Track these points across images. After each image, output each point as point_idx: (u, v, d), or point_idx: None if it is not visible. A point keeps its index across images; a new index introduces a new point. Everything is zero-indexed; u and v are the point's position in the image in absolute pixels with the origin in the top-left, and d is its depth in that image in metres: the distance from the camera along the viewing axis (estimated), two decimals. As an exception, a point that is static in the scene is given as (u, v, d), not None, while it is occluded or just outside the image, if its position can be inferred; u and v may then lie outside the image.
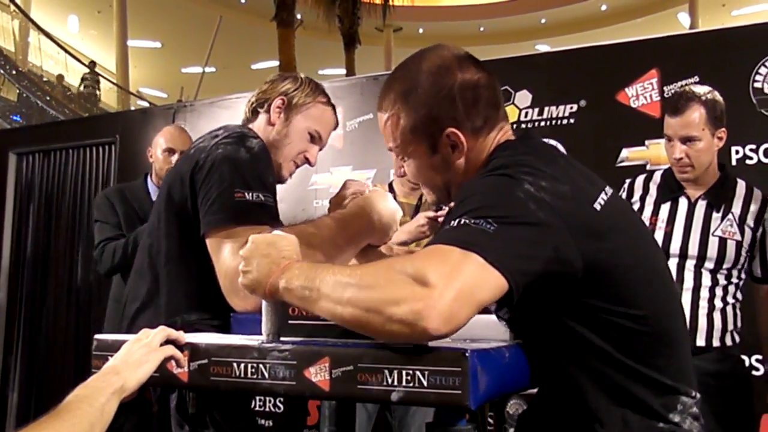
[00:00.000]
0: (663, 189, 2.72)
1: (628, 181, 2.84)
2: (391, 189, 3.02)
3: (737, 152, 3.38)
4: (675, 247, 2.60)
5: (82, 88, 19.66)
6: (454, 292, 1.10)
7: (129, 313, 1.87)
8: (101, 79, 20.34)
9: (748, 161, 3.37)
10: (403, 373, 1.16)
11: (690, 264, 2.58)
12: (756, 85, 3.39)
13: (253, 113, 2.05)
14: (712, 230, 2.58)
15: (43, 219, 5.42)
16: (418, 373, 1.15)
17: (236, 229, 1.70)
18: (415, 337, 1.12)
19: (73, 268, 5.24)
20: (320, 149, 2.10)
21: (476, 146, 1.44)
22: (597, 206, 1.31)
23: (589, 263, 1.25)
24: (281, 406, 3.87)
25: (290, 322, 1.40)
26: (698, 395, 1.36)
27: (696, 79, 3.46)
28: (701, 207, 2.63)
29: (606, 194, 1.35)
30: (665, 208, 2.67)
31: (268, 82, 2.08)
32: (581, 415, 1.31)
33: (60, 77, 19.73)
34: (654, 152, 3.53)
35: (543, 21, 24.20)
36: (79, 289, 5.20)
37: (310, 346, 1.27)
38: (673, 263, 2.58)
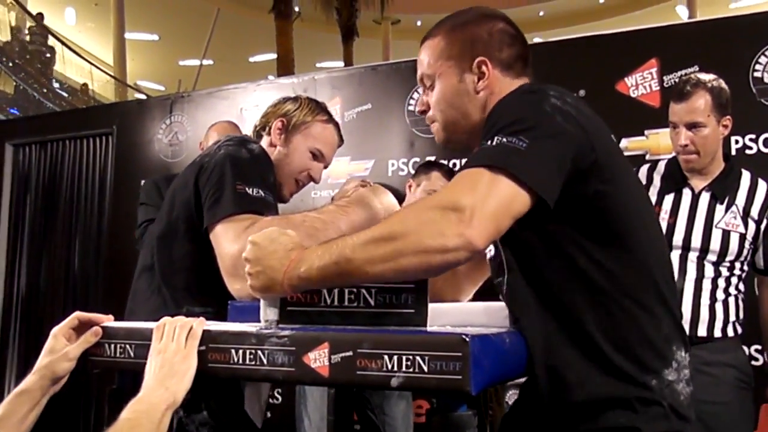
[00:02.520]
0: (667, 180, 2.69)
1: None
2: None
3: (737, 142, 3.37)
4: (678, 238, 2.58)
5: (28, 39, 19.08)
6: (489, 211, 1.19)
7: (134, 308, 1.90)
8: (94, 70, 20.28)
9: (747, 151, 3.36)
10: (403, 358, 1.15)
11: (693, 256, 2.56)
12: (756, 74, 3.38)
13: (257, 137, 2.11)
14: (715, 222, 2.56)
15: (40, 210, 5.40)
16: (418, 358, 1.14)
17: (236, 217, 1.73)
18: (469, 257, 1.21)
19: (70, 258, 5.23)
20: (325, 167, 2.15)
21: (501, 83, 1.49)
22: (613, 138, 1.41)
23: (604, 171, 1.31)
24: (279, 397, 3.86)
25: (288, 308, 1.39)
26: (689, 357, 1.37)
27: (696, 68, 3.44)
28: (705, 199, 2.61)
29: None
30: (669, 200, 2.65)
31: (271, 105, 2.16)
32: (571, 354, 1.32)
33: (84, 87, 19.77)
34: (653, 142, 3.52)
35: (541, 14, 24.18)
36: (77, 279, 5.18)
37: (309, 331, 1.26)
38: (675, 255, 2.56)
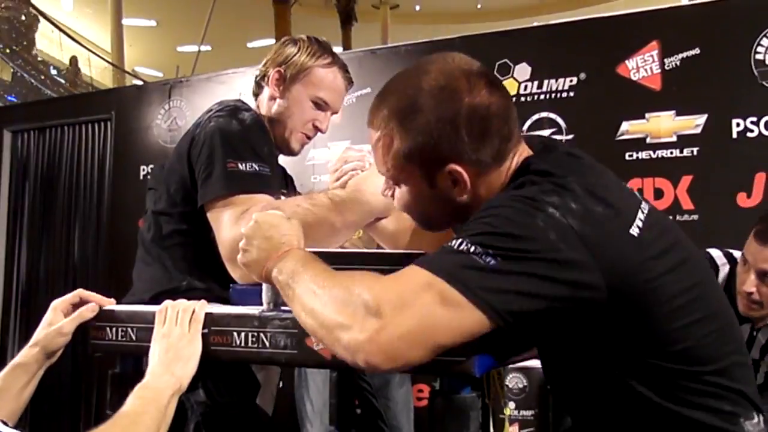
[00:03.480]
0: None
1: None
2: None
3: (738, 125, 3.36)
4: None
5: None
6: (404, 330, 1.04)
7: (136, 278, 1.89)
8: (92, 56, 20.17)
9: (749, 134, 3.35)
10: (406, 340, 1.14)
11: None
12: (758, 57, 3.36)
13: (258, 87, 2.00)
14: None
15: (40, 196, 5.39)
16: (421, 340, 1.13)
17: (231, 199, 1.70)
18: (356, 366, 1.07)
19: (69, 245, 5.22)
20: (333, 113, 2.00)
21: (484, 181, 1.25)
22: (634, 230, 1.13)
23: (621, 297, 1.10)
24: (280, 382, 3.86)
25: (290, 291, 1.39)
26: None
27: (697, 51, 3.44)
28: (765, 335, 2.44)
29: (643, 212, 1.17)
30: None
31: (271, 51, 2.01)
32: None
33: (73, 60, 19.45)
34: (654, 125, 3.51)
35: (540, -2, 24.06)
36: (76, 265, 5.18)
37: (312, 314, 1.25)
38: None
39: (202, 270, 1.78)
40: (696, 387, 1.15)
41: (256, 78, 2.01)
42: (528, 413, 3.05)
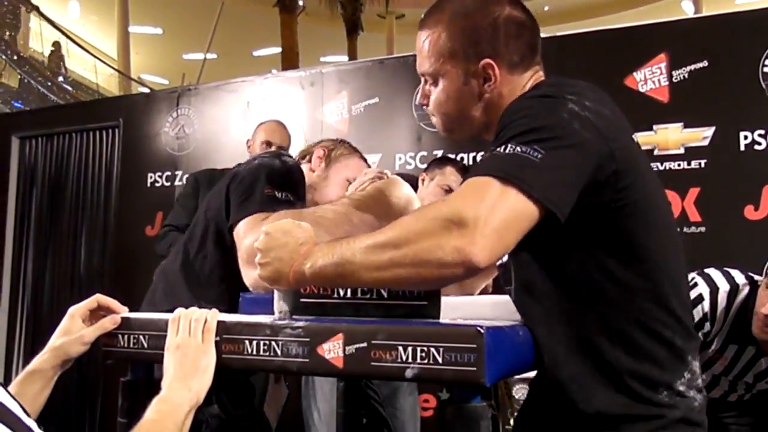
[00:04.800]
0: (735, 330, 2.41)
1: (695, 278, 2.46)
2: None
3: (746, 137, 3.36)
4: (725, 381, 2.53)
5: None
6: (494, 226, 1.12)
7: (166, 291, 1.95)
8: (99, 63, 20.15)
9: (756, 146, 3.35)
10: (418, 349, 1.15)
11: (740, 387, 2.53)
12: (765, 69, 3.37)
13: (303, 158, 2.21)
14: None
15: (47, 203, 5.40)
16: (432, 349, 1.14)
17: (259, 215, 1.77)
18: (468, 274, 1.14)
19: (76, 252, 5.23)
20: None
21: (509, 82, 1.40)
22: (635, 137, 1.34)
23: (625, 176, 1.25)
24: (286, 402, 3.86)
25: (302, 300, 1.39)
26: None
27: (705, 63, 3.44)
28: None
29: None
30: (732, 350, 2.45)
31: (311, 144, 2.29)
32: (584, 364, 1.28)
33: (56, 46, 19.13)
34: (662, 137, 3.51)
35: (546, 8, 24.09)
36: (83, 272, 5.18)
37: (324, 322, 1.25)
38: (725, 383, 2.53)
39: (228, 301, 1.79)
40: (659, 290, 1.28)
41: (302, 151, 2.28)
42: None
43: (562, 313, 1.31)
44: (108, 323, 1.48)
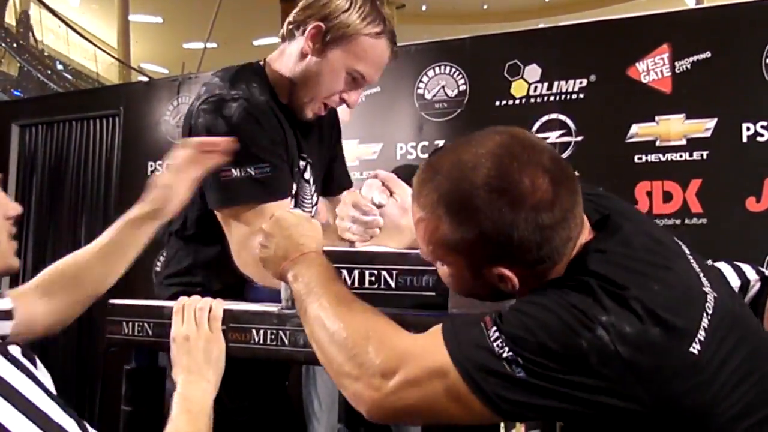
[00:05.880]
0: None
1: None
2: None
3: (748, 129, 3.35)
4: None
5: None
6: (406, 404, 1.06)
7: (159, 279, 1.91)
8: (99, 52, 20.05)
9: (759, 138, 3.34)
10: (425, 339, 1.14)
11: None
12: (768, 60, 3.36)
13: (289, 34, 1.78)
14: None
15: (47, 191, 5.39)
16: (440, 340, 1.14)
17: (232, 211, 1.66)
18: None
19: (76, 240, 5.22)
20: (368, 82, 1.78)
21: (537, 275, 1.14)
22: (695, 347, 1.03)
23: (669, 415, 1.02)
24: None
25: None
26: None
27: (708, 54, 3.43)
28: None
29: (708, 313, 1.07)
30: None
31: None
32: None
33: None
34: (664, 128, 3.50)
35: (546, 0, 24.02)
36: (83, 261, 5.17)
37: (330, 312, 1.25)
38: None
39: (218, 267, 1.77)
40: None
41: (288, 23, 1.77)
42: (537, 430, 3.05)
43: None
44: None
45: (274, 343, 1.28)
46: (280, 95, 1.81)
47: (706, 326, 1.05)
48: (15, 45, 17.21)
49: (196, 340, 1.32)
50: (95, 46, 19.99)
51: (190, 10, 22.40)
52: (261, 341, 1.29)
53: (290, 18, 1.77)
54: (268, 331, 1.29)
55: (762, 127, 3.33)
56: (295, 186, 1.82)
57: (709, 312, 1.07)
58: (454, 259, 1.16)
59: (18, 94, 16.45)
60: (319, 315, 1.16)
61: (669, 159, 3.48)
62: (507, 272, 1.12)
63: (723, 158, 3.41)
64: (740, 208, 3.31)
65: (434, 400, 1.05)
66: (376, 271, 1.35)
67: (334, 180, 2.10)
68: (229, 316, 1.34)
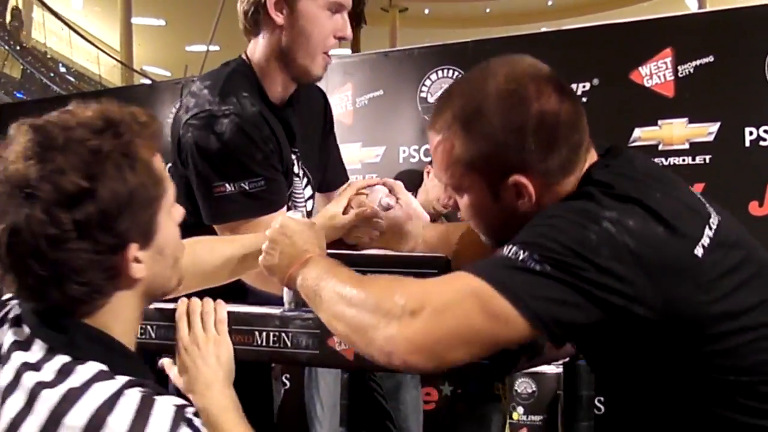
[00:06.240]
0: None
1: None
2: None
3: (751, 133, 3.35)
4: None
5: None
6: (443, 333, 1.02)
7: None
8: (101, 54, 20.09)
9: (762, 142, 3.34)
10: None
11: None
12: (771, 65, 3.36)
13: (255, 24, 1.75)
14: None
15: (50, 193, 5.40)
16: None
17: (227, 225, 1.66)
18: (392, 367, 1.07)
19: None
20: (348, 10, 1.75)
21: (550, 192, 1.17)
22: (698, 251, 1.06)
23: (677, 318, 1.05)
24: (287, 382, 3.87)
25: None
26: None
27: (711, 58, 3.44)
28: None
29: (711, 228, 1.10)
30: None
31: None
32: None
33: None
34: (667, 132, 3.51)
35: (550, 3, 24.05)
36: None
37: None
38: None
39: None
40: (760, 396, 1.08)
41: (246, 12, 1.74)
42: (537, 418, 3.05)
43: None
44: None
45: (277, 345, 1.28)
46: (270, 91, 1.79)
47: (710, 235, 1.08)
48: (18, 47, 17.24)
49: (206, 345, 1.31)
50: (98, 48, 20.04)
51: (193, 13, 22.44)
52: (264, 343, 1.29)
53: (242, 9, 1.74)
54: (271, 333, 1.29)
55: (765, 131, 3.34)
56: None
57: (713, 227, 1.10)
58: (472, 181, 1.19)
59: (21, 96, 16.47)
60: (334, 294, 1.14)
61: (672, 163, 3.48)
62: (523, 179, 1.14)
63: (726, 162, 3.41)
64: (743, 213, 3.31)
65: (469, 320, 1.02)
66: (380, 274, 1.35)
67: (329, 175, 2.10)
68: (231, 318, 1.34)
